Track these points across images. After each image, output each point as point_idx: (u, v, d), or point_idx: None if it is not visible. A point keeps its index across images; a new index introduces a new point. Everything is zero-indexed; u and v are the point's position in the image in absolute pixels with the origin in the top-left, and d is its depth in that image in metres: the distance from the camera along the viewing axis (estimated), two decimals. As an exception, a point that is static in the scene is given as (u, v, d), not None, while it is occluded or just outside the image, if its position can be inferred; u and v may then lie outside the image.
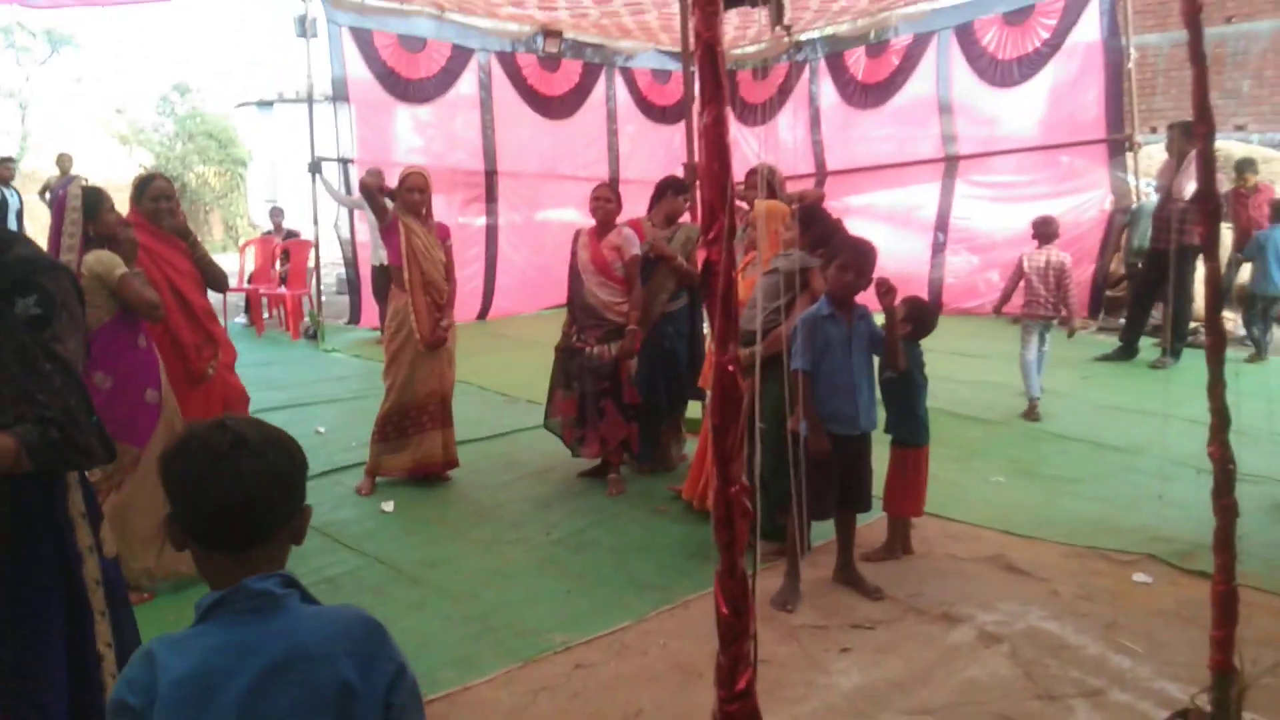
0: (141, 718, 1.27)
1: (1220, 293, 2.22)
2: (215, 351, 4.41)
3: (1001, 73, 10.81)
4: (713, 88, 1.18)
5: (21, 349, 1.84)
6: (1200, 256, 2.28)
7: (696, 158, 7.28)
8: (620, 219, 5.33)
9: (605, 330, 5.18)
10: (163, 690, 1.27)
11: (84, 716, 2.11)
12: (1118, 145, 10.06)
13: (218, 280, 4.54)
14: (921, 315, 4.32)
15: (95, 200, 3.78)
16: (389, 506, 5.01)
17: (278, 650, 1.30)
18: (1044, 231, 7.01)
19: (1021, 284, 6.91)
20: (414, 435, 5.24)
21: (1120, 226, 10.00)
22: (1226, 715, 2.18)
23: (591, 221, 5.31)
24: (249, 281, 12.16)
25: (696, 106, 1.31)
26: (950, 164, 11.37)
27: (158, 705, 1.26)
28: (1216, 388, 2.20)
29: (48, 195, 12.35)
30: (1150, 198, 9.58)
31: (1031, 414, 6.60)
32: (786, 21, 10.47)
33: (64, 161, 12.41)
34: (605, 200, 5.27)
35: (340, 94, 10.61)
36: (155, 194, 4.25)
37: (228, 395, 4.56)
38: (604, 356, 5.16)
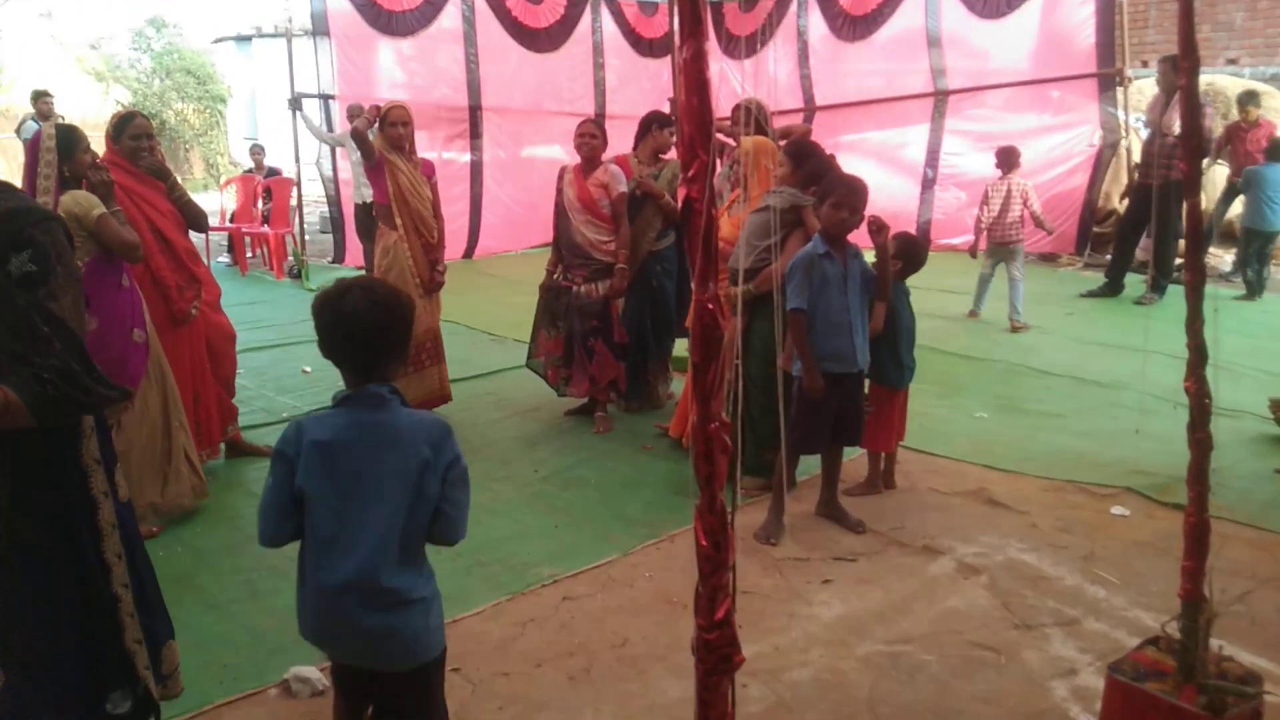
0: (293, 464, 1.98)
1: (1201, 230, 2.22)
2: (198, 291, 4.40)
3: (990, 4, 10.64)
4: (691, 22, 1.17)
5: (16, 314, 1.81)
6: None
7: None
8: (606, 155, 5.28)
9: (593, 269, 5.16)
10: (305, 447, 1.98)
11: (101, 656, 2.13)
12: (1108, 80, 9.97)
13: (198, 220, 4.50)
14: (911, 252, 4.29)
15: (70, 140, 3.72)
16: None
17: (384, 432, 2.01)
18: (1006, 161, 7.64)
19: (987, 213, 7.59)
20: (414, 374, 5.26)
21: (1108, 161, 9.97)
22: (1195, 643, 2.24)
23: (577, 158, 5.25)
24: (231, 220, 12.04)
25: (677, 38, 1.30)
26: (939, 99, 11.26)
27: (302, 457, 1.98)
28: (1194, 324, 2.22)
29: (22, 133, 12.11)
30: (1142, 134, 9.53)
31: (972, 316, 7.75)
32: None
33: (44, 101, 12.15)
34: (590, 136, 5.19)
35: (320, 27, 10.40)
36: (135, 132, 4.18)
37: (211, 334, 4.56)
38: (592, 295, 5.15)
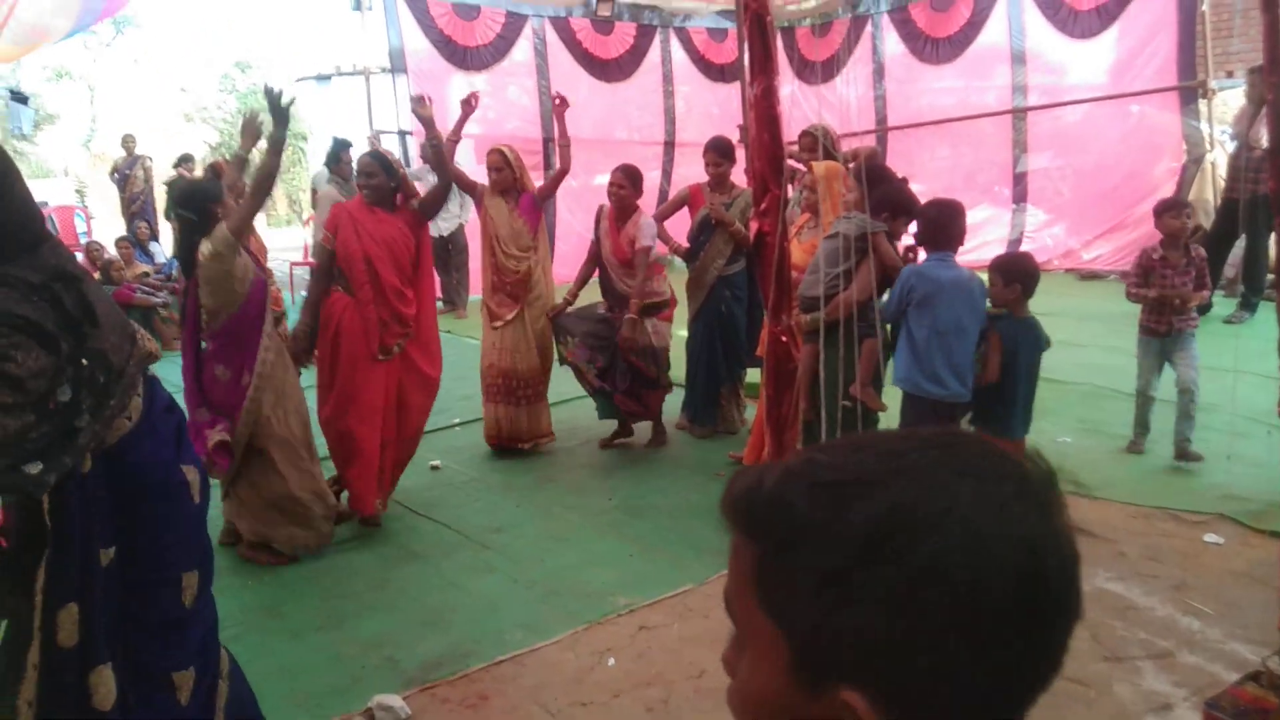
0: (933, 299, 3.68)
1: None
2: (404, 332, 4.42)
3: (1081, 24, 10.41)
4: (762, 59, 1.19)
5: None
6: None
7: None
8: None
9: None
10: (943, 285, 3.67)
11: None
12: (1190, 93, 9.69)
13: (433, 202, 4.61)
14: (1024, 271, 3.91)
15: (202, 197, 3.78)
16: (438, 464, 5.22)
17: (962, 277, 3.72)
18: (1171, 226, 4.92)
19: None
20: (520, 407, 5.38)
21: (1193, 177, 9.68)
22: (1298, 678, 2.15)
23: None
24: (313, 256, 12.40)
25: (747, 73, 1.31)
26: (1018, 116, 11.07)
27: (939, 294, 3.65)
28: (1288, 345, 2.14)
29: (115, 176, 12.66)
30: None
31: (1136, 447, 5.03)
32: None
33: (128, 142, 12.72)
34: (619, 187, 5.21)
35: (398, 64, 10.69)
36: (361, 169, 4.43)
37: (406, 378, 4.50)
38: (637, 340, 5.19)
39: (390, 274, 4.36)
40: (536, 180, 11.84)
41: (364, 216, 4.35)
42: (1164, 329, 4.95)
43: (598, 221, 5.39)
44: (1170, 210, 4.99)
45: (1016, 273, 3.88)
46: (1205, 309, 8.21)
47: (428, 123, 4.66)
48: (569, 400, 6.48)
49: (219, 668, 2.28)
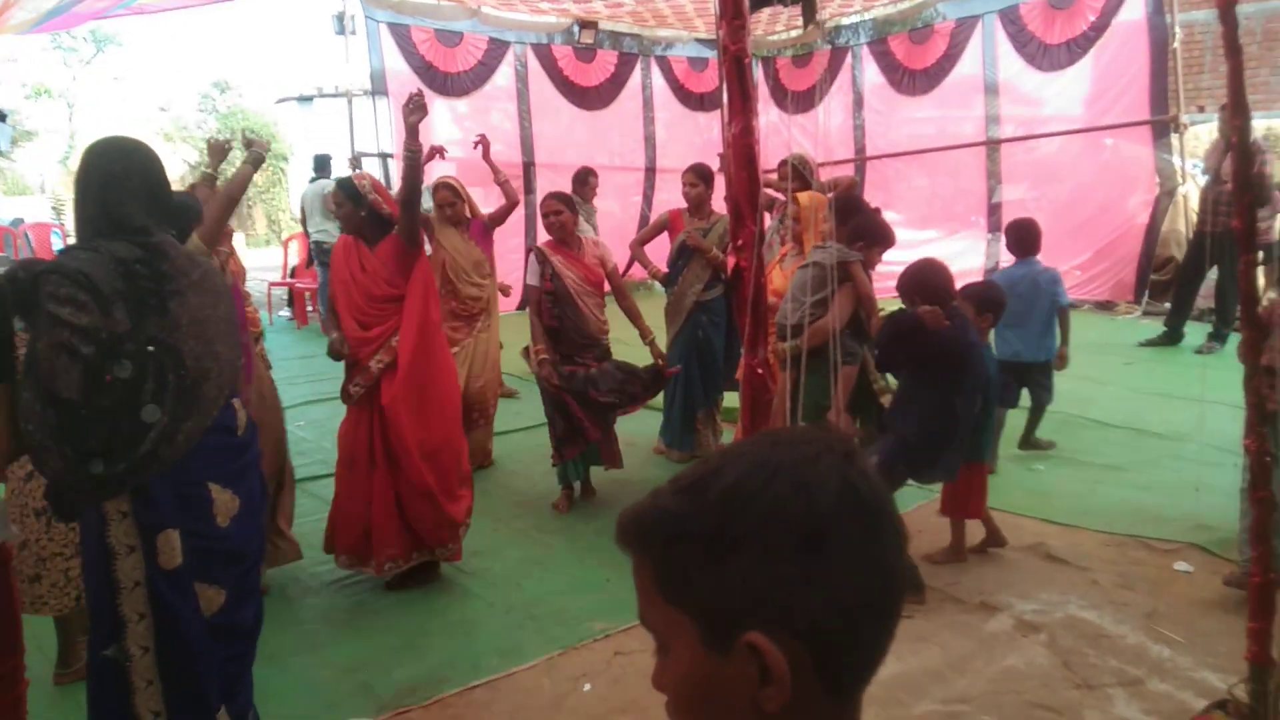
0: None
1: (1255, 286, 2.20)
2: (363, 379, 3.95)
3: (1051, 57, 10.59)
4: (740, 99, 1.22)
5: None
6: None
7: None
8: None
9: (598, 352, 4.89)
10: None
11: (105, 708, 2.26)
12: (1162, 126, 9.88)
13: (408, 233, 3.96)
14: (992, 300, 4.09)
15: (194, 214, 3.51)
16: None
17: (1034, 272, 5.02)
18: None
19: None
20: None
21: (1165, 209, 9.85)
22: (1265, 708, 2.18)
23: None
24: (291, 276, 12.36)
25: (725, 112, 1.33)
26: (993, 147, 11.24)
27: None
28: (1253, 380, 2.19)
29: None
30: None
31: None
32: (819, 19, 10.43)
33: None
34: (556, 214, 4.78)
35: (379, 88, 10.73)
36: (332, 200, 4.26)
37: (388, 428, 3.96)
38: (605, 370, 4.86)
39: (347, 315, 3.95)
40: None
41: (342, 251, 4.04)
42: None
43: (542, 264, 4.78)
44: None
45: (988, 302, 4.04)
46: (1177, 339, 8.38)
47: (412, 130, 3.96)
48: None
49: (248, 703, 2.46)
